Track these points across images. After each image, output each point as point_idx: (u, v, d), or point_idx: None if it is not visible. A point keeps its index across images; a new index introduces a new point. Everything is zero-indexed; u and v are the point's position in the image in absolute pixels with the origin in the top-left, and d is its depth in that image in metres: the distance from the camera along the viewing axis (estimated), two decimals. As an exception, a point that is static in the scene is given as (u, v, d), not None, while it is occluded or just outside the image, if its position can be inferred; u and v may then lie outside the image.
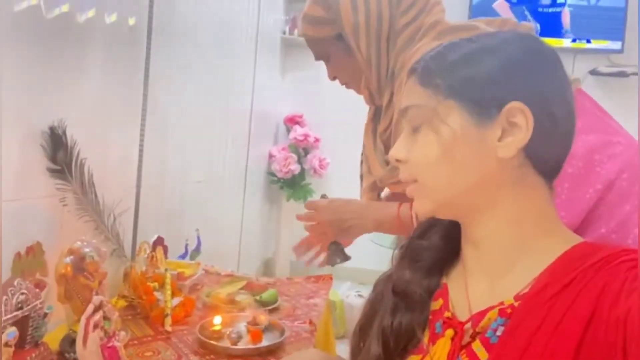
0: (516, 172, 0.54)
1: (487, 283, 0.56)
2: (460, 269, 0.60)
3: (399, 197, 1.08)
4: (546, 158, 0.55)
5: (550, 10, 3.11)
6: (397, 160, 0.59)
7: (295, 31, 3.35)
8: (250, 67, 2.87)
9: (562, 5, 3.10)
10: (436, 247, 0.62)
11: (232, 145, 2.69)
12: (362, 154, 1.26)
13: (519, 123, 0.53)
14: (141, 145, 1.64)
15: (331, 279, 1.71)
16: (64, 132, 1.21)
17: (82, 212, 1.31)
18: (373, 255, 3.52)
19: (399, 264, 0.65)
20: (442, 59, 0.56)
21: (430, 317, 0.59)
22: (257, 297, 1.40)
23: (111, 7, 1.33)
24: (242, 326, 1.22)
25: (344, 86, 1.20)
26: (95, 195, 1.36)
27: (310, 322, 1.30)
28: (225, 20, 2.37)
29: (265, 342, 1.15)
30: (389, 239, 3.42)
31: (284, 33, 3.39)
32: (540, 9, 3.12)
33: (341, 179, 3.66)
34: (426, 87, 0.56)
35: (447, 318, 0.56)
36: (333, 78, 1.18)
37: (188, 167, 2.12)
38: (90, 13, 1.23)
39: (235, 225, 2.86)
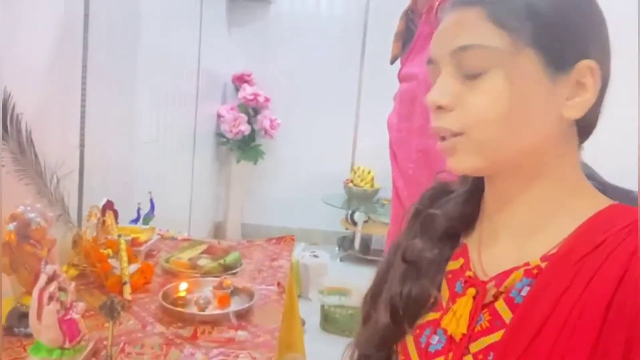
0: (567, 132, 0.52)
1: (513, 244, 0.53)
2: (482, 228, 0.58)
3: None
4: (592, 120, 0.53)
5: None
6: (438, 107, 0.51)
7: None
8: (196, 22, 2.69)
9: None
10: (451, 217, 0.59)
11: (180, 104, 2.54)
12: None
13: (586, 83, 0.49)
14: (83, 101, 1.50)
15: (293, 240, 1.66)
16: (-4, 83, 1.07)
17: (21, 174, 1.18)
18: (325, 216, 3.54)
19: (408, 231, 0.63)
20: (523, 2, 0.49)
21: (450, 276, 0.57)
22: (221, 261, 1.34)
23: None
24: (207, 291, 1.16)
25: None
26: (35, 155, 1.22)
27: (279, 285, 1.26)
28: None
29: (233, 307, 1.10)
30: (340, 199, 3.44)
31: (230, -16, 3.20)
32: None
33: (293, 140, 3.61)
34: (501, 28, 0.48)
35: (469, 277, 0.54)
36: None
37: (134, 127, 1.98)
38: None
39: (184, 187, 2.74)
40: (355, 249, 3.40)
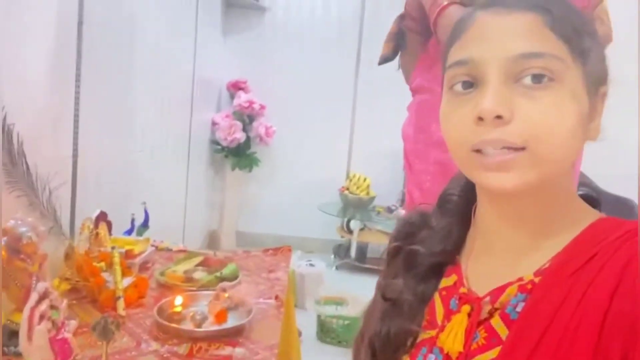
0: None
1: (508, 259, 0.52)
2: (475, 244, 0.57)
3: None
4: None
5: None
6: (497, 117, 0.45)
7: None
8: (191, 30, 2.67)
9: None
10: (434, 252, 0.58)
11: (174, 112, 2.52)
12: None
13: (599, 108, 0.50)
14: (76, 111, 1.48)
15: (290, 250, 1.64)
16: (-14, 94, 1.04)
17: (12, 186, 1.15)
18: (320, 223, 3.51)
19: (389, 268, 0.62)
20: (574, 15, 0.49)
21: (444, 293, 0.56)
22: (217, 274, 1.31)
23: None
24: (203, 305, 1.13)
25: None
26: (27, 167, 1.20)
27: (277, 298, 1.24)
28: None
29: (231, 322, 1.07)
30: (336, 207, 3.41)
31: (226, -9, 3.19)
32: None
33: (288, 147, 3.59)
34: (559, 38, 0.47)
35: (463, 293, 0.53)
36: None
37: (128, 136, 1.95)
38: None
39: (179, 196, 2.71)
40: (351, 257, 3.38)
